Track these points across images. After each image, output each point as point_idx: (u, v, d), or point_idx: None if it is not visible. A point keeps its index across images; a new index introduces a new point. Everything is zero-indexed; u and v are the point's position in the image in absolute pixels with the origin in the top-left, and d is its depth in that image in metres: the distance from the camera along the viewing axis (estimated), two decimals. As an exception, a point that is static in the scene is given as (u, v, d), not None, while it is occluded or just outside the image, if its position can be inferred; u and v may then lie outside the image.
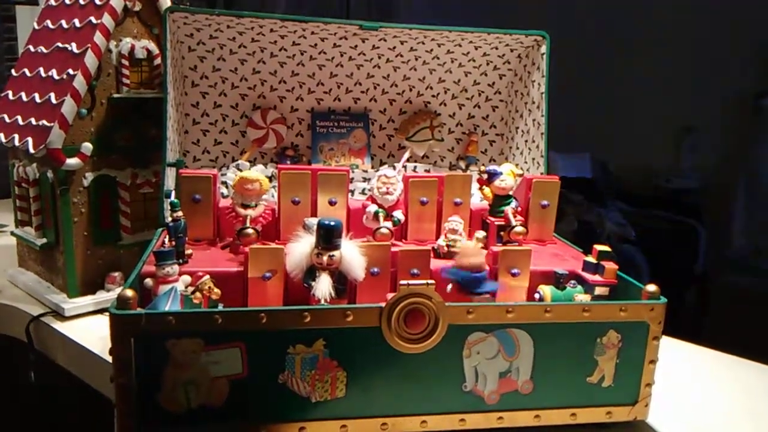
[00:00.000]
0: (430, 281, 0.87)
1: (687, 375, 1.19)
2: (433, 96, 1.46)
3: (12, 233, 1.44)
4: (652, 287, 0.95)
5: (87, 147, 1.27)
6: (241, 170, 1.38)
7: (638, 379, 0.96)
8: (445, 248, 1.11)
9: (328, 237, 0.94)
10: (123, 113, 1.34)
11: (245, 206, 1.08)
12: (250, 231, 1.03)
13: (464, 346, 0.90)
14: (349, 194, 1.39)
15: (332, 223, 0.95)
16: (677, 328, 1.29)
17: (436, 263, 1.05)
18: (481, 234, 1.02)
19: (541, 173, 1.35)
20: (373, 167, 1.41)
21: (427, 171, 1.42)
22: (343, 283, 0.96)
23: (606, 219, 2.18)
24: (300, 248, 0.96)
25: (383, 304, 0.87)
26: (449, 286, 0.98)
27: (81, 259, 1.32)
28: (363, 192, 1.31)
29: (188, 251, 1.04)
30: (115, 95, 1.32)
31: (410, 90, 1.44)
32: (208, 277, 0.93)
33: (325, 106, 1.43)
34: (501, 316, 0.90)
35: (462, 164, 1.47)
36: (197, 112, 1.37)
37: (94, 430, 0.82)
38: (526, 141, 1.38)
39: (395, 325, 0.88)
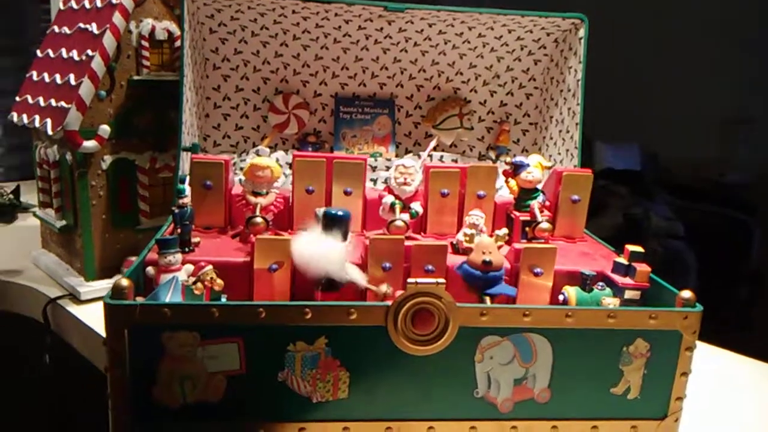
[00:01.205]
0: (440, 280, 0.81)
1: (727, 387, 1.09)
2: (463, 82, 1.39)
3: (34, 214, 1.44)
4: (686, 293, 0.87)
5: (104, 129, 1.24)
6: (261, 156, 1.35)
7: (668, 393, 0.88)
8: (464, 243, 1.04)
9: (332, 228, 0.89)
10: (143, 96, 1.31)
11: (256, 194, 1.04)
12: (258, 220, 0.99)
13: (476, 350, 0.84)
14: (372, 183, 1.34)
15: (339, 213, 0.89)
16: (724, 330, 1.19)
17: (454, 259, 0.99)
18: (502, 231, 0.96)
19: (575, 166, 1.27)
20: (397, 156, 1.36)
21: (455, 161, 1.36)
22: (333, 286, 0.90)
23: (653, 213, 2.09)
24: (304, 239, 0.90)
25: (389, 303, 0.82)
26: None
27: (99, 242, 1.31)
28: (386, 181, 1.25)
29: (196, 239, 1.00)
30: (135, 77, 1.30)
31: (439, 75, 1.38)
32: (210, 267, 0.89)
33: (349, 91, 1.38)
34: (517, 319, 0.84)
35: (492, 155, 1.40)
36: (218, 96, 1.34)
37: (102, 416, 0.79)
38: (560, 131, 1.30)
39: (402, 326, 0.82)
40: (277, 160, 1.32)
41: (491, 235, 0.98)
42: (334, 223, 0.89)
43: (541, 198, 1.10)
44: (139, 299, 0.88)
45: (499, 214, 1.16)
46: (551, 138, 1.36)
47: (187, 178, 1.10)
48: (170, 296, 0.86)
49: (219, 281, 0.89)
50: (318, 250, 0.88)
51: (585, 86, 1.29)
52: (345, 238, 0.90)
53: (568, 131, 1.33)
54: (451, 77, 1.38)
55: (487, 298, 0.92)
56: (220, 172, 1.07)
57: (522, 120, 1.43)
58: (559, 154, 1.36)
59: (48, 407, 1.66)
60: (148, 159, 1.34)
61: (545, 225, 1.04)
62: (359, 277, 0.88)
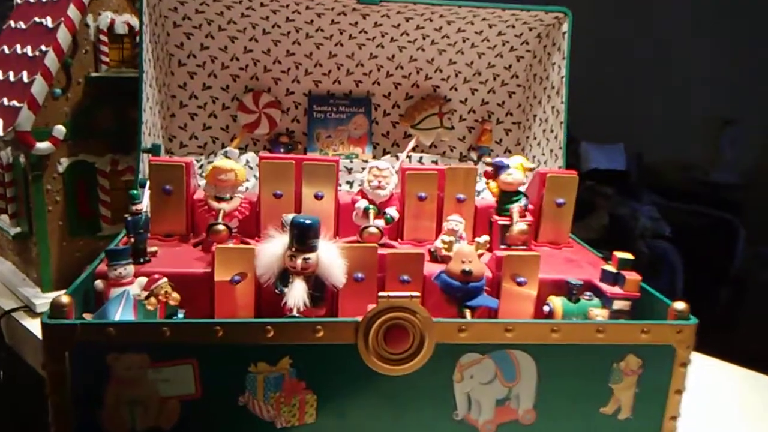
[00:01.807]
0: (414, 293, 0.75)
1: (724, 401, 1.03)
2: (443, 79, 1.34)
3: (-12, 221, 1.36)
4: (680, 305, 0.81)
5: (59, 130, 1.16)
6: (229, 158, 1.27)
7: (661, 412, 0.82)
8: (443, 251, 0.97)
9: (302, 237, 0.82)
10: (102, 94, 1.23)
11: (219, 199, 0.97)
12: (220, 227, 0.91)
13: (455, 369, 0.78)
14: (348, 186, 1.27)
15: (307, 222, 0.83)
16: (710, 334, 1.13)
17: (432, 268, 0.92)
18: (482, 239, 0.89)
19: (560, 167, 1.21)
20: (374, 157, 1.30)
21: (435, 162, 1.30)
22: (320, 290, 0.84)
23: (640, 214, 2.04)
24: (271, 249, 0.84)
25: (359, 319, 0.75)
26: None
27: (56, 251, 1.23)
28: (361, 184, 1.18)
29: (152, 249, 0.93)
30: (93, 74, 1.22)
31: (417, 72, 1.32)
32: (165, 280, 0.81)
33: (323, 89, 1.32)
34: (499, 335, 0.77)
35: (473, 155, 1.35)
36: (184, 94, 1.26)
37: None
38: (544, 130, 1.24)
39: (374, 343, 0.75)
40: (247, 162, 1.25)
41: (471, 242, 0.91)
42: (301, 231, 0.82)
43: (523, 201, 1.03)
44: (87, 316, 0.80)
45: (480, 218, 1.09)
46: (535, 138, 1.30)
47: (148, 183, 1.03)
48: (120, 312, 0.78)
49: (174, 295, 0.82)
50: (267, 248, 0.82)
51: (569, 83, 1.23)
52: (311, 248, 0.83)
53: (552, 130, 1.27)
54: (430, 74, 1.33)
55: (467, 311, 0.86)
56: (180, 176, 0.99)
57: (504, 119, 1.38)
58: (543, 154, 1.30)
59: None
60: (109, 161, 1.26)
61: (520, 226, 0.97)
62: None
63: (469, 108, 1.37)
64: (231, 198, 0.98)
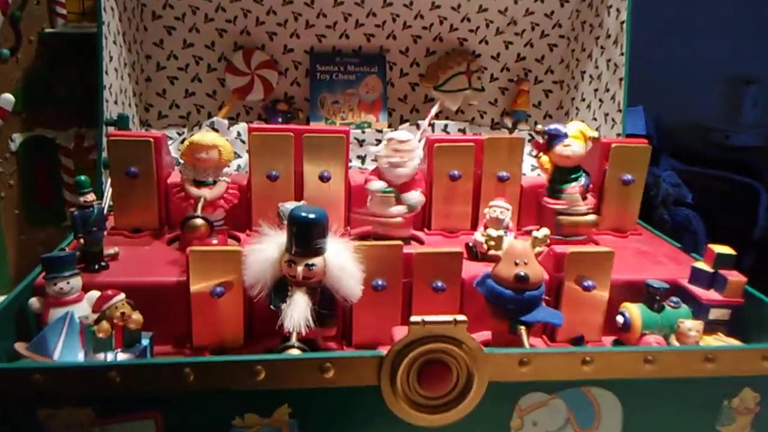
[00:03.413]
0: (459, 318, 0.54)
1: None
2: (471, 31, 1.14)
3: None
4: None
5: (7, 100, 0.95)
6: (216, 130, 1.06)
7: (783, 461, 0.62)
8: (485, 246, 0.76)
9: (304, 237, 0.62)
10: (60, 54, 1.04)
11: (199, 184, 0.76)
12: (197, 222, 0.71)
13: (513, 415, 0.57)
14: (360, 162, 1.06)
15: (311, 216, 0.62)
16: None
17: (471, 267, 0.72)
18: (541, 233, 0.68)
19: (618, 134, 0.99)
20: (390, 126, 1.12)
21: (462, 131, 1.13)
22: (328, 305, 0.64)
23: (661, 180, 1.94)
24: (263, 252, 0.64)
25: (383, 352, 0.54)
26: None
27: (13, 245, 1.03)
28: (376, 160, 0.97)
29: (111, 250, 0.72)
30: (48, 30, 1.01)
31: (440, 23, 1.13)
32: (121, 297, 0.61)
33: (327, 44, 1.13)
34: (573, 368, 0.57)
35: (508, 122, 1.17)
36: (161, 54, 1.10)
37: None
38: (596, 90, 1.03)
39: (403, 385, 0.55)
40: (238, 135, 1.04)
41: (520, 234, 0.70)
42: (303, 228, 0.61)
43: (583, 180, 0.82)
44: (20, 348, 0.60)
45: (526, 201, 0.88)
46: (583, 99, 1.09)
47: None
48: (61, 344, 0.58)
49: (135, 317, 0.62)
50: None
51: (630, 31, 1.00)
52: (316, 251, 0.62)
53: (607, 89, 1.04)
54: (456, 25, 1.13)
55: (522, 329, 0.65)
56: (147, 154, 0.79)
57: (544, 78, 1.19)
58: (595, 119, 1.08)
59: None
60: (73, 136, 1.06)
61: (590, 218, 0.77)
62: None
63: (503, 65, 1.18)
64: (214, 182, 0.77)
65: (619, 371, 0.58)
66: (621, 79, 1.02)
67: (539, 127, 0.83)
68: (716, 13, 1.62)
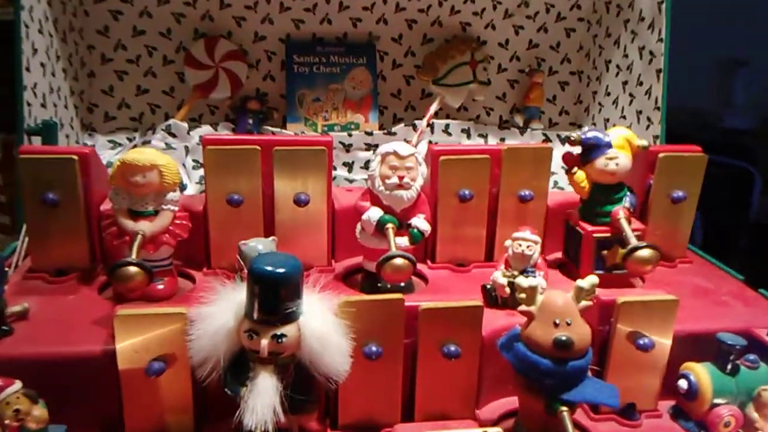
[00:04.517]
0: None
1: None
2: (475, 13, 1.01)
3: None
4: None
5: None
6: (175, 135, 0.89)
7: None
8: (507, 290, 0.60)
9: (270, 300, 0.45)
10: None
11: (135, 215, 0.59)
12: (130, 271, 0.54)
13: None
14: (347, 171, 0.93)
15: (278, 272, 0.45)
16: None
17: (491, 318, 0.56)
18: (588, 281, 0.51)
19: (656, 138, 0.83)
20: (382, 127, 0.99)
21: (465, 131, 1.00)
22: (305, 388, 0.47)
23: None
24: (213, 320, 0.47)
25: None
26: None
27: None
28: (367, 166, 0.85)
29: (19, 307, 0.55)
30: (-39, 15, 0.82)
31: (439, 4, 1.00)
32: (15, 388, 0.45)
33: (306, 31, 0.99)
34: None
35: (519, 120, 1.05)
36: (107, 43, 0.96)
37: None
38: (626, 83, 0.91)
39: None
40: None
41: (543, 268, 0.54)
42: (268, 288, 0.45)
43: (629, 201, 0.66)
44: None
45: (552, 223, 0.71)
46: (608, 94, 0.96)
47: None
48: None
49: (37, 413, 0.47)
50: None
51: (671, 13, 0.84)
52: (286, 317, 0.45)
53: (640, 83, 0.90)
54: (458, 6, 1.01)
55: (564, 411, 0.49)
56: (71, 176, 0.62)
57: (560, 68, 1.07)
58: (623, 117, 0.93)
59: None
60: (1, 143, 0.86)
61: (647, 253, 0.60)
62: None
63: (512, 53, 1.05)
64: (156, 212, 0.59)
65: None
66: (659, 71, 0.87)
67: (575, 134, 0.66)
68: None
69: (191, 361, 0.48)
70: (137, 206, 0.60)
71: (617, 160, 0.64)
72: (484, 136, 1.01)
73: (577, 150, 0.66)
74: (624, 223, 0.64)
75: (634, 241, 0.62)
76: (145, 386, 0.51)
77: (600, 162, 0.65)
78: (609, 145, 0.64)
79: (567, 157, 0.67)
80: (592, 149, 0.65)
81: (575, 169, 0.67)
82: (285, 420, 0.48)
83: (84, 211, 0.64)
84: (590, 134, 0.65)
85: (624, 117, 0.93)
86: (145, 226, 0.59)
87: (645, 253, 0.60)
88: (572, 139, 0.65)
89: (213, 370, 0.48)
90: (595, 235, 0.66)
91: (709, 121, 1.65)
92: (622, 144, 0.65)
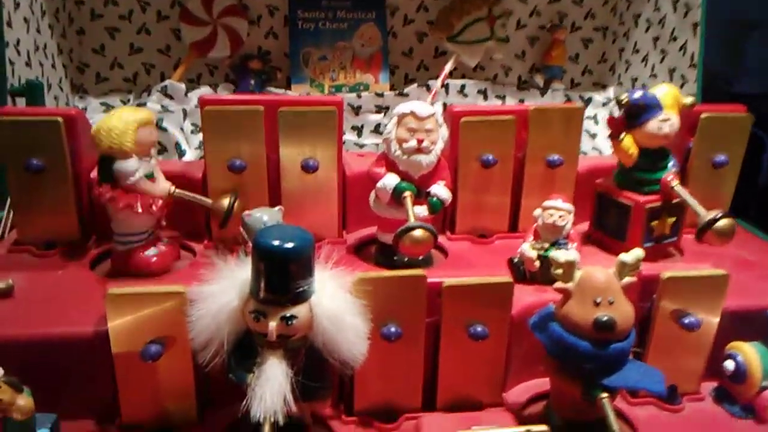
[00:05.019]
0: (541, 428, 0.32)
1: None
2: None
3: None
4: None
5: None
6: (172, 97, 0.84)
7: None
8: (536, 263, 0.55)
9: (278, 278, 0.41)
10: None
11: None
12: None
13: None
14: (356, 135, 0.89)
15: (286, 247, 0.41)
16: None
17: (519, 295, 0.50)
18: (632, 255, 0.46)
19: (692, 98, 0.76)
20: (393, 88, 0.94)
21: (482, 92, 0.95)
22: (318, 374, 0.43)
23: None
24: (216, 299, 0.42)
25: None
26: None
27: None
28: (377, 130, 0.85)
29: (2, 283, 0.50)
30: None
31: None
32: None
33: None
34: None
35: (539, 80, 0.99)
36: None
37: None
38: (657, 39, 0.86)
39: None
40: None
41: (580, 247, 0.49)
42: (276, 266, 0.40)
43: (672, 164, 0.60)
44: None
45: (581, 190, 0.66)
46: (636, 50, 0.90)
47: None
48: None
49: (22, 402, 0.42)
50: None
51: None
52: (296, 297, 0.40)
53: (674, 38, 0.84)
54: None
55: (604, 398, 0.44)
56: (57, 140, 0.56)
57: (584, 24, 1.00)
58: (654, 76, 0.86)
59: None
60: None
61: (727, 223, 0.55)
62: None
63: (532, 8, 0.99)
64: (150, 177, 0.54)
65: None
66: (695, 25, 0.81)
67: (624, 95, 0.59)
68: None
69: (192, 344, 0.44)
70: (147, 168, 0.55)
71: (670, 121, 0.58)
72: (502, 98, 0.95)
73: (622, 111, 0.60)
74: (682, 190, 0.58)
75: (702, 211, 0.56)
76: (141, 371, 0.46)
77: (652, 125, 0.58)
78: (660, 107, 0.58)
79: (612, 122, 0.61)
80: (641, 111, 0.59)
81: (623, 135, 0.60)
82: (296, 408, 0.43)
83: (72, 178, 0.59)
84: (637, 95, 0.58)
85: (655, 75, 0.87)
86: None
87: (725, 223, 0.55)
88: (622, 100, 0.59)
89: (216, 355, 0.43)
90: (648, 206, 0.60)
91: (717, 85, 1.58)
92: (671, 103, 0.59)
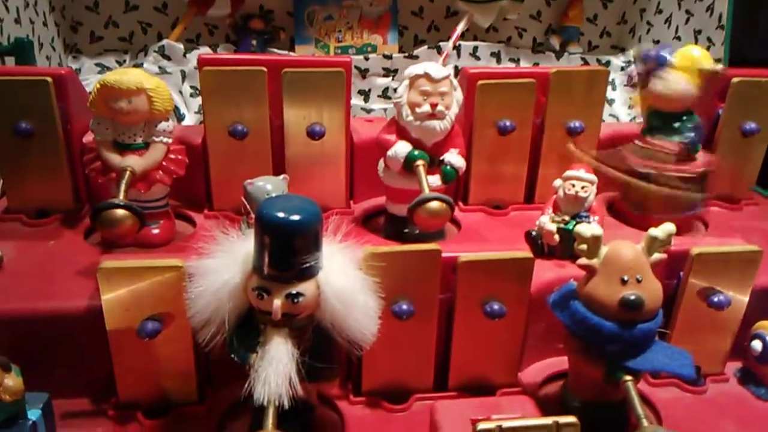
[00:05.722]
0: (564, 419, 0.29)
1: None
2: None
3: None
4: None
5: None
6: (170, 58, 0.80)
7: None
8: (556, 237, 0.51)
9: (283, 253, 0.38)
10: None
11: (122, 148, 0.50)
12: (116, 214, 0.45)
13: None
14: (363, 100, 0.84)
15: (293, 219, 0.37)
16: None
17: (538, 270, 0.47)
18: (663, 229, 0.43)
19: (718, 61, 0.72)
20: (402, 50, 0.91)
21: (495, 55, 0.91)
22: (325, 354, 0.41)
23: None
24: (216, 275, 0.39)
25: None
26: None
27: None
28: (385, 94, 0.81)
29: None
30: None
31: None
32: None
33: None
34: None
35: (555, 42, 0.96)
36: None
37: None
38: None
39: None
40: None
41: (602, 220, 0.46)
42: (280, 240, 0.37)
43: (689, 133, 0.57)
44: None
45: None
46: (659, 11, 0.85)
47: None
48: None
49: (11, 383, 0.40)
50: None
51: None
52: (302, 273, 0.37)
53: None
54: None
55: (629, 380, 0.42)
56: (47, 102, 0.53)
57: None
58: (678, 38, 0.81)
59: None
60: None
61: (696, 195, 0.52)
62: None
63: None
64: (146, 145, 0.50)
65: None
66: None
67: (650, 49, 0.55)
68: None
69: (190, 321, 0.41)
70: (124, 138, 0.51)
71: (667, 81, 0.54)
72: (516, 61, 0.91)
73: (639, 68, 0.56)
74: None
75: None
76: (138, 348, 0.43)
77: (660, 84, 0.55)
78: (663, 64, 0.54)
79: (629, 78, 0.58)
80: (651, 68, 0.55)
81: (634, 91, 0.57)
82: (302, 390, 0.41)
83: (64, 142, 0.55)
84: (650, 49, 0.55)
85: (678, 38, 0.83)
86: (133, 162, 0.50)
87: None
88: (649, 56, 0.55)
89: (217, 333, 0.41)
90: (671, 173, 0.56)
91: (746, 48, 1.62)
92: (684, 65, 0.55)
